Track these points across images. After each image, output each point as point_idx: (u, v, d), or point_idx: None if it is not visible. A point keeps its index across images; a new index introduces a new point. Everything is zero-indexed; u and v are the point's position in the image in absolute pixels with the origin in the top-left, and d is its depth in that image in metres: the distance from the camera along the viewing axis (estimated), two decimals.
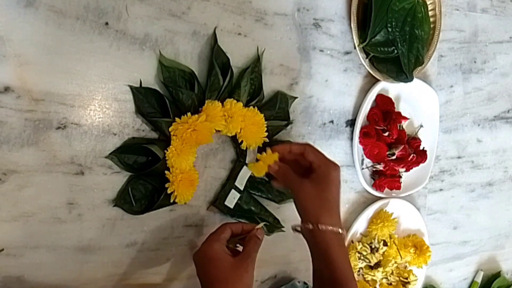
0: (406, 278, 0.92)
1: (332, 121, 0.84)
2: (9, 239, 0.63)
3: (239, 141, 0.72)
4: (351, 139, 0.86)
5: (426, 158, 0.91)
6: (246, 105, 0.73)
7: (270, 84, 0.77)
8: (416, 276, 0.93)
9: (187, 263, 0.76)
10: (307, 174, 0.69)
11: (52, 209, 0.65)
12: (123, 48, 0.66)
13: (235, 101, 0.71)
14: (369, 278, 0.90)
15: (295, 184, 0.68)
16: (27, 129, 0.62)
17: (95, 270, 0.69)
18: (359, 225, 0.89)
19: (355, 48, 0.82)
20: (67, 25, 0.63)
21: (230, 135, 0.72)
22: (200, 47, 0.71)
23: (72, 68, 0.63)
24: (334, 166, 0.69)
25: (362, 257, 0.88)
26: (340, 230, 0.66)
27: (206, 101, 0.69)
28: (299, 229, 0.68)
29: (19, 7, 0.60)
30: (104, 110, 0.66)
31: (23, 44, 0.60)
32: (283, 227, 0.80)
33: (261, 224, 0.69)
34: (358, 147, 0.86)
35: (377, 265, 0.90)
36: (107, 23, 0.65)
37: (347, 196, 0.88)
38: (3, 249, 0.63)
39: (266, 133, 0.73)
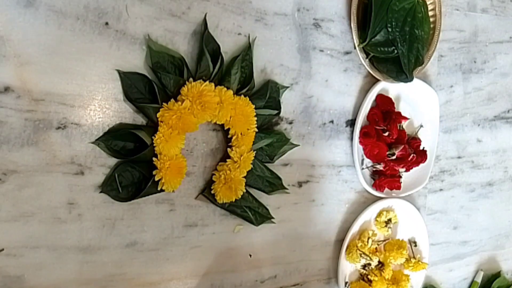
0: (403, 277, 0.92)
1: (332, 121, 0.84)
2: (9, 239, 0.63)
3: (226, 128, 0.72)
4: (351, 139, 0.86)
5: (426, 158, 0.91)
6: (237, 93, 0.72)
7: None
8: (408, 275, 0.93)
9: (187, 263, 0.76)
10: None
11: (52, 209, 0.65)
12: (123, 48, 0.66)
13: (225, 88, 0.70)
14: (368, 277, 0.90)
15: None
16: (27, 129, 0.62)
17: (95, 270, 0.69)
18: (359, 225, 0.89)
19: (355, 48, 0.82)
20: (67, 25, 0.63)
21: (219, 122, 0.71)
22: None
23: (72, 68, 0.63)
24: None
25: (362, 256, 0.88)
26: None
27: None
28: None
29: (19, 7, 0.60)
30: (104, 110, 0.66)
31: (23, 44, 0.60)
32: (273, 218, 0.79)
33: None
34: (358, 147, 0.86)
35: (377, 265, 0.90)
36: (107, 23, 0.65)
37: (347, 196, 0.88)
38: (3, 249, 0.63)
39: (255, 125, 0.73)
